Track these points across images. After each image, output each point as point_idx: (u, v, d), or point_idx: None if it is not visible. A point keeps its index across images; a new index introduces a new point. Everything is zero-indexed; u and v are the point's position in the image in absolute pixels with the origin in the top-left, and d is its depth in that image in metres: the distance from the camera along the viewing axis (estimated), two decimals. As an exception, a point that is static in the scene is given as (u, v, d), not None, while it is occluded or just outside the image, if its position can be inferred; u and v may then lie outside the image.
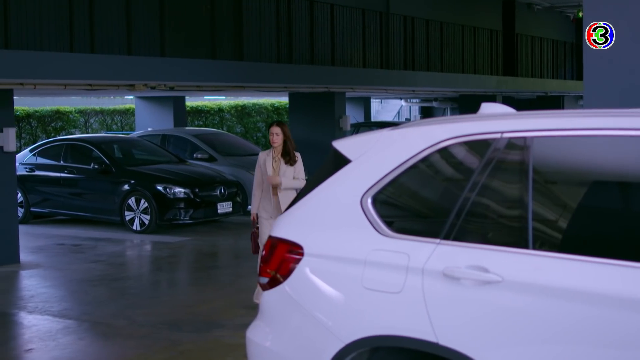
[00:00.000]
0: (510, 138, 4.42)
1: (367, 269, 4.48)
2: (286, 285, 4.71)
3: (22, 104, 28.52)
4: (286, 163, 9.67)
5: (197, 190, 16.50)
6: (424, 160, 4.58)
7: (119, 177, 16.84)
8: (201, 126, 33.05)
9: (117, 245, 15.14)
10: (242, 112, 35.56)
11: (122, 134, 25.14)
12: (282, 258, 4.75)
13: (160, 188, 16.32)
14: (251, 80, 16.50)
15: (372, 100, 40.20)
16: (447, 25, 24.51)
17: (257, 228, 9.76)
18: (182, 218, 16.37)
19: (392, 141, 4.75)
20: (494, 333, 4.17)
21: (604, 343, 3.95)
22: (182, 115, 25.19)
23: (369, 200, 4.62)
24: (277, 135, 9.64)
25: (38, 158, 18.18)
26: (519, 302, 4.12)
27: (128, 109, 31.62)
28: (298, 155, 9.85)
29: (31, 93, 18.94)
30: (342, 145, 4.95)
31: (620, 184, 4.39)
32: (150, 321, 9.48)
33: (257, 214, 9.82)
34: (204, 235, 16.19)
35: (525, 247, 4.20)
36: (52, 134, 28.09)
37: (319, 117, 21.44)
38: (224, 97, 34.99)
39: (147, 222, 16.31)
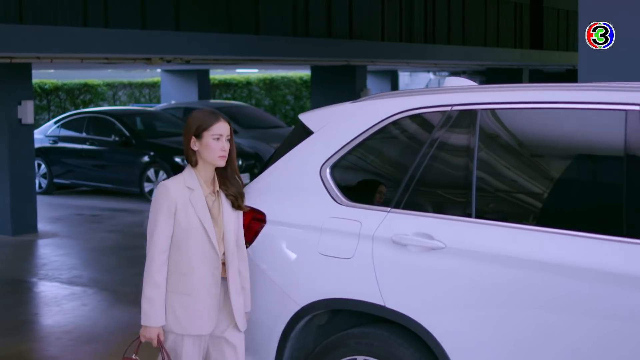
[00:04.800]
0: (459, 111, 4.60)
1: (323, 236, 4.70)
2: (250, 251, 4.94)
3: (51, 77, 28.88)
4: (233, 206, 4.70)
5: (214, 161, 16.71)
6: (379, 132, 4.78)
7: (139, 149, 17.14)
8: (229, 99, 33.31)
9: (135, 216, 15.45)
10: (270, 85, 35.76)
11: (145, 106, 25.43)
12: (246, 225, 4.97)
13: (178, 160, 16.58)
14: (268, 54, 16.67)
15: (400, 73, 40.22)
16: (470, -2, 24.55)
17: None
18: (199, 189, 16.61)
19: (350, 114, 4.95)
20: (437, 297, 4.39)
21: (540, 306, 4.14)
22: (206, 88, 25.43)
23: (328, 170, 4.83)
24: (227, 141, 4.61)
25: (61, 130, 18.50)
26: (460, 268, 4.33)
27: (156, 81, 31.91)
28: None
29: (56, 66, 19.26)
30: (306, 117, 5.16)
31: (562, 156, 4.57)
32: (154, 289, 9.75)
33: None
34: (221, 206, 16.43)
35: (469, 216, 4.40)
36: (81, 107, 28.47)
37: (341, 90, 21.53)
38: (256, 70, 35.24)
39: (165, 193, 16.55)
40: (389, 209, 4.59)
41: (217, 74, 34.35)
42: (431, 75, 41.80)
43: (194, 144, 4.54)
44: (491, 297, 4.25)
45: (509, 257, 4.21)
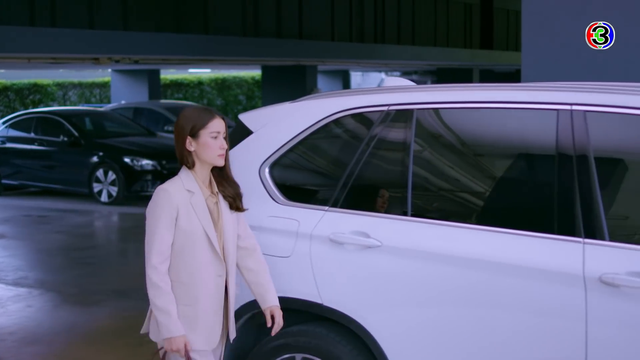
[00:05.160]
0: (396, 111, 4.66)
1: (262, 235, 4.72)
2: None
3: (0, 76, 28.63)
4: (231, 207, 4.41)
5: (164, 162, 16.70)
6: (317, 132, 4.82)
7: (88, 150, 17.04)
8: (181, 99, 33.21)
9: (83, 217, 15.37)
10: (222, 85, 35.73)
11: (95, 106, 25.29)
12: None
13: (127, 160, 16.51)
14: (217, 54, 16.70)
15: (353, 73, 40.36)
16: (420, -2, 24.71)
17: None
18: (149, 190, 16.57)
19: (289, 114, 4.99)
20: (373, 295, 4.44)
21: (474, 303, 4.21)
22: (157, 88, 25.39)
23: (267, 170, 4.86)
24: (224, 138, 4.32)
25: (10, 130, 18.34)
26: (395, 266, 4.38)
27: (107, 81, 31.76)
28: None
29: (4, 66, 19.10)
30: (246, 117, 5.19)
31: (496, 156, 4.65)
32: (101, 289, 9.72)
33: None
34: (171, 206, 16.38)
35: (404, 214, 4.46)
36: (30, 107, 28.26)
37: (292, 90, 21.60)
38: (208, 70, 35.21)
39: (114, 193, 16.52)
40: (326, 207, 4.63)
41: (169, 74, 34.24)
42: (383, 75, 42.02)
43: (190, 145, 4.22)
44: (426, 294, 4.31)
45: (444, 255, 4.27)
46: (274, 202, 4.79)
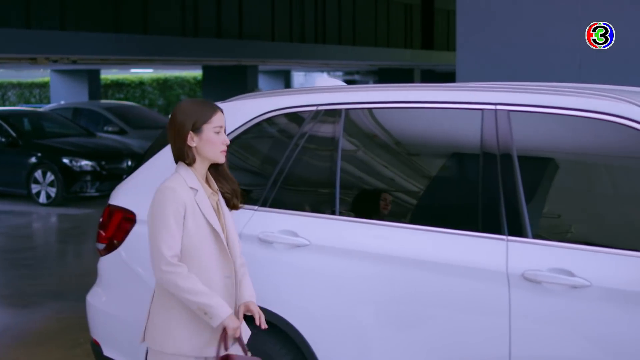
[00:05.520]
0: (325, 111, 4.70)
1: None
2: (121, 250, 4.94)
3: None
4: (228, 205, 4.20)
5: (103, 162, 16.59)
6: (246, 132, 4.84)
7: (26, 150, 16.87)
8: (122, 99, 32.98)
9: (21, 218, 15.21)
10: (164, 85, 35.57)
11: (35, 107, 25.03)
12: (117, 224, 4.98)
13: (66, 161, 16.37)
14: (156, 54, 16.62)
15: (295, 73, 40.38)
16: (360, -1, 24.82)
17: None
18: (88, 190, 16.46)
19: (220, 114, 5.00)
20: (302, 293, 4.48)
21: (401, 300, 4.26)
22: (96, 88, 25.20)
23: (196, 170, 4.86)
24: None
25: (-54, 131, 18.08)
26: (324, 265, 4.42)
27: (46, 81, 31.46)
28: None
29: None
30: (175, 117, 5.18)
31: (424, 155, 4.71)
32: (37, 291, 9.63)
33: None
34: (110, 207, 16.27)
35: (332, 213, 4.51)
36: (-32, 107, 27.89)
37: (232, 90, 21.45)
38: (151, 70, 35.00)
39: (53, 194, 16.37)
40: (256, 207, 4.66)
41: (110, 74, 33.99)
42: (325, 75, 42.00)
43: (192, 140, 3.97)
44: (354, 292, 4.35)
45: (371, 254, 4.32)
46: (204, 202, 4.79)
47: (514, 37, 9.15)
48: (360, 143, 4.78)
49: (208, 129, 3.98)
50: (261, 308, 4.52)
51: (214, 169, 4.11)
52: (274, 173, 4.68)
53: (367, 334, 4.33)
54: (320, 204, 4.66)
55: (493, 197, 4.18)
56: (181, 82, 35.96)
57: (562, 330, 3.97)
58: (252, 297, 4.08)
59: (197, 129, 3.96)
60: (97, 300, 5.15)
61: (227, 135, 4.79)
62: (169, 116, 4.06)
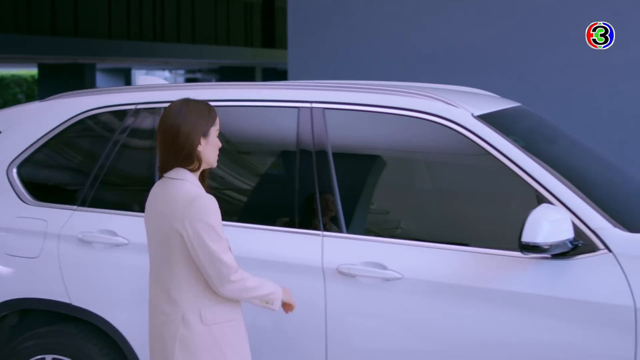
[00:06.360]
0: (143, 109, 4.69)
1: (9, 236, 4.67)
2: None
3: None
4: None
5: None
6: (66, 131, 4.79)
7: None
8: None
9: None
10: (0, 83, 34.60)
11: None
12: None
13: None
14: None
15: (137, 71, 39.93)
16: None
17: None
18: None
19: (39, 112, 4.94)
20: (122, 293, 4.46)
21: None
22: None
23: (14, 170, 4.79)
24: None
25: None
26: (143, 264, 4.39)
27: None
28: None
29: None
30: (-6, 117, 5.09)
31: (243, 153, 4.76)
32: None
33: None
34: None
35: (152, 211, 4.50)
36: None
37: (70, 88, 21.04)
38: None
39: None
40: (75, 207, 4.62)
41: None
42: (167, 74, 41.75)
43: (200, 145, 3.68)
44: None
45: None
46: (22, 202, 4.73)
47: (343, 36, 9.31)
48: None
49: (213, 132, 3.73)
50: (81, 309, 4.51)
51: (202, 175, 3.81)
52: (92, 172, 4.65)
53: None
54: (139, 203, 4.63)
55: (309, 193, 4.26)
56: (18, 81, 35.03)
57: (377, 322, 4.08)
58: None
59: (206, 133, 3.70)
60: None
61: (46, 134, 4.75)
62: (164, 122, 3.69)
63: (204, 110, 3.71)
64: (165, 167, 3.70)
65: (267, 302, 3.72)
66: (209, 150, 3.71)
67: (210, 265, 3.56)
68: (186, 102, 3.73)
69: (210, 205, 3.60)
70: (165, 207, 3.65)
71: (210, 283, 3.61)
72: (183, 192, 3.62)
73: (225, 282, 3.58)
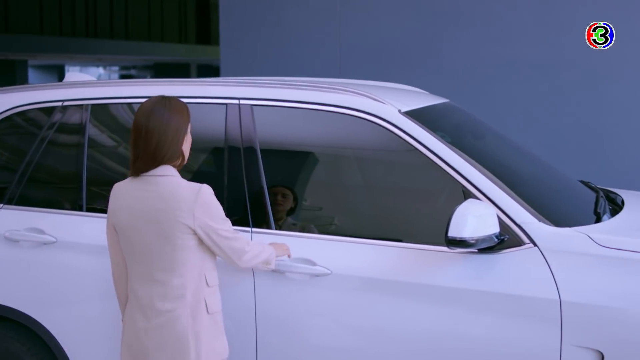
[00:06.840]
0: (69, 106, 4.66)
1: None
2: None
3: None
4: None
5: None
6: (-9, 128, 4.74)
7: None
8: None
9: None
10: None
11: None
12: None
13: None
14: None
15: (70, 68, 39.53)
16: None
17: None
18: None
19: (-37, 110, 4.86)
20: (51, 292, 4.43)
21: None
22: None
23: (-60, 168, 4.73)
24: None
25: None
26: (72, 262, 4.39)
27: None
28: None
29: None
30: None
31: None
32: None
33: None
34: None
35: (80, 209, 4.48)
36: None
37: (0, 85, 20.90)
38: None
39: None
40: (1, 205, 4.57)
41: None
42: (101, 70, 41.39)
43: (184, 141, 3.79)
44: (101, 289, 4.32)
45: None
46: (-54, 201, 4.66)
47: (275, 33, 9.34)
48: (105, 138, 4.76)
49: (189, 128, 3.82)
50: (8, 308, 4.46)
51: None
52: (19, 170, 4.60)
53: (114, 330, 4.31)
54: (67, 200, 4.61)
55: (238, 190, 4.26)
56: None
57: (306, 318, 4.10)
58: None
59: (186, 130, 3.79)
60: None
61: None
62: (147, 121, 3.68)
63: (184, 107, 3.80)
64: (148, 166, 3.71)
65: (266, 264, 3.96)
66: (187, 146, 3.82)
67: (227, 246, 3.75)
68: (166, 99, 3.78)
69: (212, 193, 3.74)
70: (162, 204, 3.67)
71: (228, 261, 3.82)
72: (183, 187, 3.70)
73: (242, 254, 3.80)
